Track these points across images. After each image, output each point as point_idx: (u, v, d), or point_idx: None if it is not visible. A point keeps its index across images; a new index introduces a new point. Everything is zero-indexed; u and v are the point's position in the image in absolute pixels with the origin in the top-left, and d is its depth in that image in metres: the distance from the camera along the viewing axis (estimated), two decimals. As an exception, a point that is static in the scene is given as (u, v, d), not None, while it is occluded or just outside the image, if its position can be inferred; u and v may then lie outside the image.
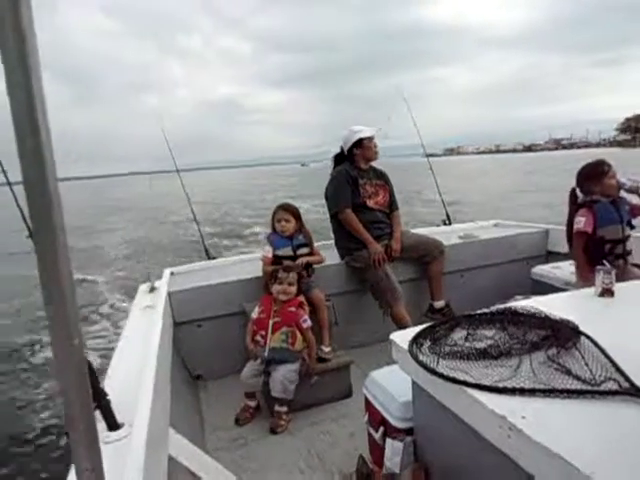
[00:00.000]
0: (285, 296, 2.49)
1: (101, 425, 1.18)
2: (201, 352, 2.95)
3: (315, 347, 2.56)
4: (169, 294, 2.80)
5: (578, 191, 2.76)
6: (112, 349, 1.96)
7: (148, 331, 2.00)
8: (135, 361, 1.66)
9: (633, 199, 2.67)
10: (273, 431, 2.35)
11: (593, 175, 2.69)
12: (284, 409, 2.42)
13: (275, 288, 2.50)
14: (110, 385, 1.47)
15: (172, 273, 3.32)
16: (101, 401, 1.17)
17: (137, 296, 2.85)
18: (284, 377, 2.39)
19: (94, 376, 1.17)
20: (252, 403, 2.52)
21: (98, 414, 1.18)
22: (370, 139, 3.24)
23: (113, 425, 1.17)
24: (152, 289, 2.89)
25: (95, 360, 4.67)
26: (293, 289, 2.51)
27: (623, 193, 2.66)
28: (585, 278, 2.61)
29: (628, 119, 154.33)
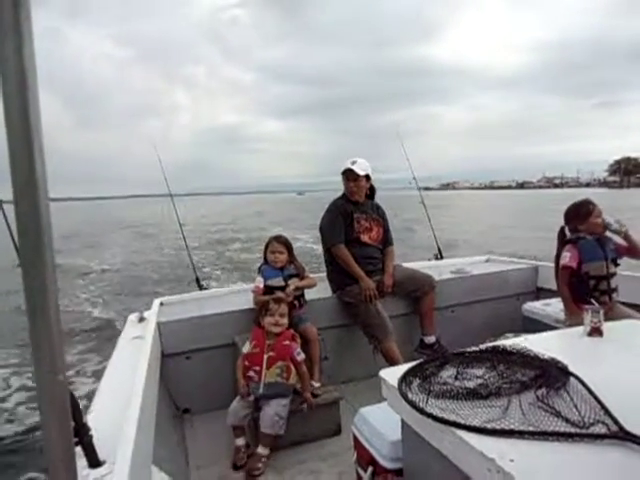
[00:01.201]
0: (277, 328, 2.46)
1: (82, 462, 1.15)
2: (189, 385, 2.90)
3: (308, 379, 2.53)
4: (158, 325, 2.77)
5: (566, 229, 2.81)
6: (98, 381, 1.92)
7: (135, 363, 1.97)
8: (120, 394, 1.63)
9: (618, 239, 2.72)
10: (249, 474, 2.23)
11: (579, 214, 2.76)
12: (266, 452, 2.32)
13: (267, 320, 2.47)
14: (94, 419, 1.44)
15: (162, 303, 3.29)
16: (83, 437, 1.14)
17: (125, 326, 2.81)
18: (275, 412, 2.34)
19: (77, 410, 1.15)
20: (241, 442, 2.41)
21: (80, 450, 1.16)
22: (344, 174, 3.20)
23: (94, 462, 1.14)
24: (141, 319, 2.86)
25: (81, 392, 4.57)
26: (285, 320, 2.49)
27: (608, 233, 2.71)
28: (571, 312, 2.68)
29: (617, 161, 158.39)
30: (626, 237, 2.68)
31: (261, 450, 2.33)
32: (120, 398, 1.58)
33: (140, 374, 1.77)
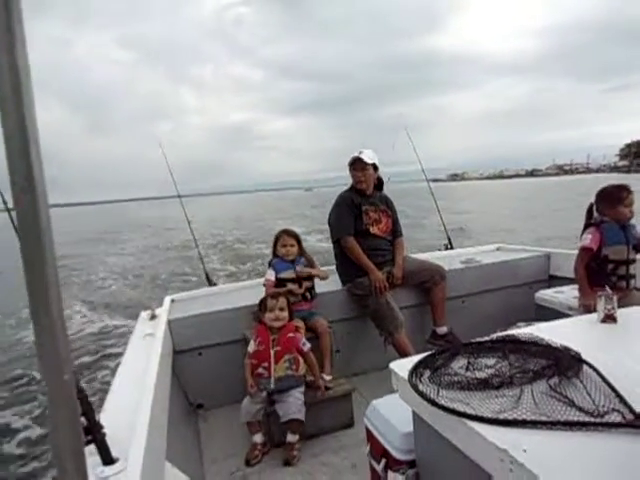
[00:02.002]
0: (278, 322, 2.46)
1: (96, 459, 1.16)
2: (202, 381, 2.92)
3: (317, 368, 2.54)
4: (169, 322, 2.79)
5: (594, 208, 2.78)
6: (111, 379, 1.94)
7: (147, 360, 1.99)
8: (133, 391, 1.64)
9: None
10: (287, 463, 2.29)
11: (610, 199, 2.72)
12: (296, 438, 2.36)
13: (267, 316, 2.47)
14: (107, 417, 1.46)
15: (173, 300, 3.31)
16: (96, 435, 1.15)
17: (137, 324, 2.84)
18: (296, 398, 2.36)
19: (90, 409, 1.16)
20: (259, 439, 2.42)
21: (93, 448, 1.17)
22: (352, 164, 3.21)
23: (108, 459, 1.15)
24: (152, 317, 2.88)
25: (94, 391, 4.63)
26: (285, 314, 2.49)
27: (638, 225, 2.66)
28: (585, 294, 2.67)
29: (628, 145, 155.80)
30: None
31: (291, 438, 2.36)
32: (132, 395, 1.59)
33: (152, 371, 1.78)
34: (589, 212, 2.81)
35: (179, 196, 4.57)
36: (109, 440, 1.18)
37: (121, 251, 19.20)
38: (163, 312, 2.90)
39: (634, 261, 2.67)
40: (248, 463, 2.33)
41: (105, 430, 1.19)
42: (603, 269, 2.66)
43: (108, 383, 1.88)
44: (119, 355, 2.27)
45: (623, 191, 2.68)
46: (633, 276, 2.68)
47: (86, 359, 6.09)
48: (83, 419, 1.16)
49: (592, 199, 2.80)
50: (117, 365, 2.12)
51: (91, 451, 1.17)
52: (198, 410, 2.92)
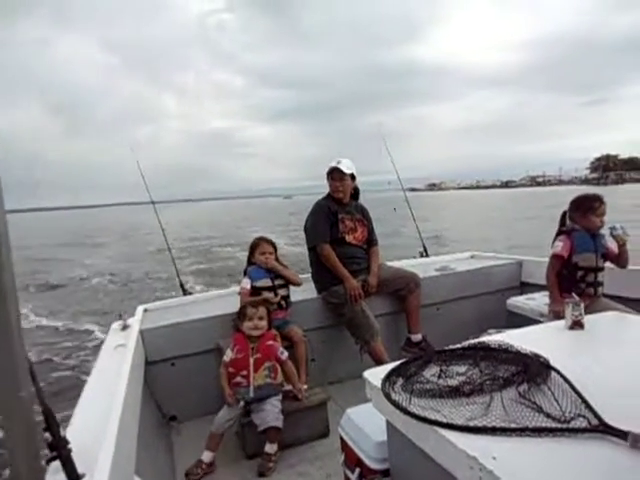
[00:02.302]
0: (257, 331, 2.45)
1: (61, 476, 1.12)
2: (175, 392, 2.86)
3: (295, 375, 2.53)
4: (141, 332, 2.73)
5: (567, 216, 2.86)
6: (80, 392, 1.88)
7: (117, 371, 1.94)
8: (102, 404, 1.59)
9: (612, 244, 2.75)
10: (262, 474, 2.24)
11: (583, 208, 2.78)
12: (274, 449, 2.33)
13: (246, 325, 2.46)
14: (74, 432, 1.41)
15: (145, 310, 3.25)
16: (61, 450, 1.12)
17: (108, 335, 2.77)
18: (274, 406, 2.34)
19: (55, 423, 1.12)
20: (208, 458, 2.33)
21: (59, 464, 1.13)
22: (330, 173, 3.23)
23: (73, 476, 1.11)
24: (124, 327, 2.82)
25: (62, 405, 4.49)
26: (264, 323, 2.48)
27: (607, 235, 2.74)
28: (555, 300, 2.73)
29: (597, 159, 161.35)
30: (622, 247, 2.72)
31: (269, 449, 2.32)
32: (101, 408, 1.55)
33: (122, 382, 1.74)
34: (562, 219, 2.88)
35: (152, 202, 4.50)
36: (75, 456, 1.15)
37: (94, 258, 18.81)
38: (135, 322, 2.84)
39: (602, 269, 2.76)
40: (187, 477, 2.26)
41: (71, 445, 1.15)
42: (573, 276, 2.74)
43: (77, 396, 1.82)
44: (90, 367, 2.21)
45: (596, 201, 2.75)
46: (601, 283, 2.76)
47: (54, 373, 5.91)
48: (47, 435, 1.13)
49: (558, 209, 2.89)
50: (87, 377, 2.06)
51: (57, 468, 1.14)
52: (171, 422, 2.86)
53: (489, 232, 19.43)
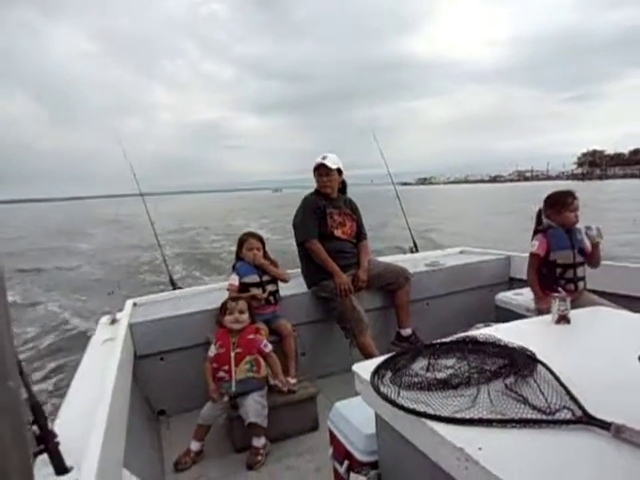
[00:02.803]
0: (238, 325, 2.45)
1: (49, 469, 1.11)
2: (164, 386, 2.86)
3: (280, 368, 2.53)
4: (130, 326, 2.72)
5: (543, 215, 2.89)
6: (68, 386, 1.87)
7: (105, 365, 1.93)
8: (89, 398, 1.59)
9: (586, 243, 2.78)
10: (250, 467, 2.25)
11: (556, 205, 2.81)
12: (262, 442, 2.33)
13: (227, 319, 2.46)
14: (62, 425, 1.41)
15: (135, 304, 3.23)
16: (49, 444, 1.11)
17: (97, 329, 2.76)
18: (256, 402, 2.33)
19: (43, 417, 1.11)
20: (196, 447, 2.37)
21: (46, 457, 1.12)
22: (317, 169, 3.23)
23: (61, 469, 1.11)
24: (113, 321, 2.81)
25: (50, 398, 4.46)
26: (245, 316, 2.48)
27: (584, 236, 2.77)
28: (538, 298, 2.78)
29: (584, 154, 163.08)
30: (595, 247, 2.75)
31: (256, 442, 2.33)
32: (89, 402, 1.54)
33: (110, 376, 1.74)
34: (538, 218, 2.90)
35: (141, 194, 4.46)
36: (63, 449, 1.14)
37: (82, 251, 18.66)
38: (124, 316, 2.83)
39: (581, 264, 2.79)
40: (177, 468, 2.29)
41: (59, 439, 1.14)
42: (552, 273, 2.77)
43: (65, 390, 1.81)
44: (78, 361, 2.20)
45: (568, 197, 2.78)
46: (582, 278, 2.79)
47: (42, 365, 5.86)
48: (35, 428, 1.12)
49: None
50: (75, 371, 2.05)
51: (44, 461, 1.13)
52: (160, 416, 2.85)
53: (460, 227, 19.86)
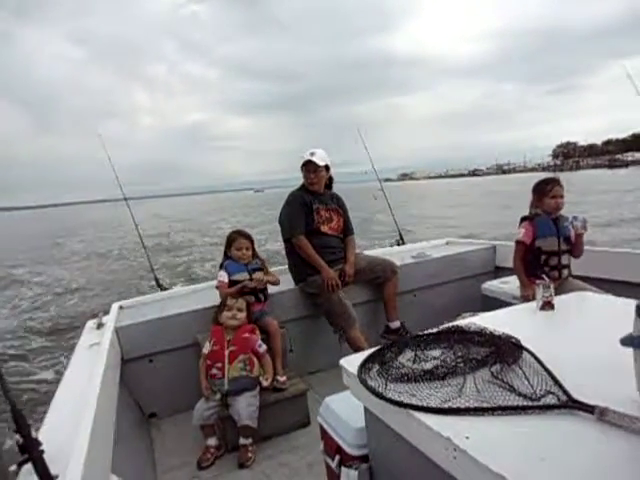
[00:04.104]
0: (235, 321, 2.45)
1: (33, 479, 1.09)
2: (154, 389, 2.83)
3: (272, 369, 2.53)
4: (117, 329, 2.69)
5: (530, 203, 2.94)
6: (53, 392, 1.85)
7: (91, 370, 1.91)
8: (75, 404, 1.57)
9: (573, 231, 2.81)
10: (242, 465, 2.25)
11: (538, 192, 2.87)
12: (249, 441, 2.33)
13: (224, 314, 2.46)
14: (46, 433, 1.38)
15: (121, 307, 3.20)
16: (33, 452, 1.09)
17: (83, 333, 2.72)
18: (249, 403, 2.33)
19: (25, 425, 1.09)
20: (213, 442, 2.39)
21: (31, 467, 1.10)
22: (304, 165, 3.20)
23: (46, 478, 1.09)
24: (99, 325, 2.77)
25: (35, 405, 4.40)
26: (243, 314, 2.48)
27: (570, 225, 2.80)
28: (524, 285, 2.82)
29: (559, 146, 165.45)
30: (578, 237, 2.79)
31: (244, 441, 2.33)
32: (75, 408, 1.52)
33: (96, 381, 1.71)
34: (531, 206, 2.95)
35: (125, 199, 4.42)
36: (48, 457, 1.12)
37: (67, 256, 18.44)
38: (110, 320, 2.79)
39: (566, 252, 2.82)
40: (199, 466, 2.29)
41: (44, 447, 1.12)
42: (537, 260, 2.81)
43: (50, 397, 1.78)
44: (64, 367, 2.17)
45: (548, 184, 2.82)
46: (566, 266, 2.83)
47: (26, 373, 5.78)
48: (18, 437, 1.10)
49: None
50: (61, 377, 2.02)
51: (29, 470, 1.11)
52: (151, 419, 2.83)
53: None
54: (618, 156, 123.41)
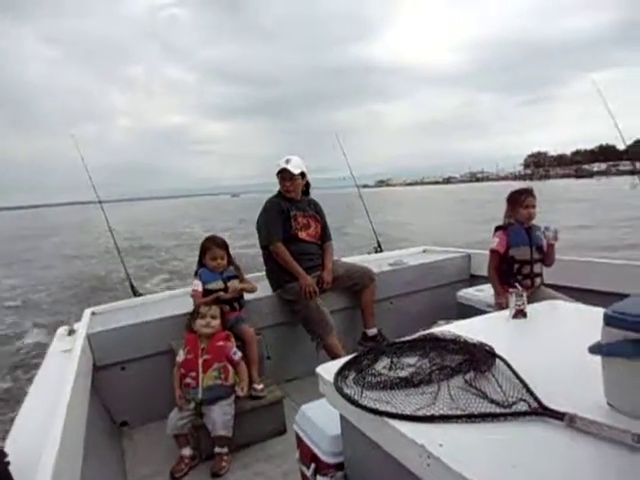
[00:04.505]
0: (209, 329, 2.41)
1: None
2: (126, 397, 2.77)
3: (247, 377, 2.50)
4: (89, 336, 2.63)
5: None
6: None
7: (62, 378, 1.86)
8: (44, 413, 1.52)
9: (545, 241, 2.88)
10: (216, 475, 2.21)
11: (512, 201, 2.94)
12: (225, 450, 2.30)
13: (198, 323, 2.42)
14: (13, 443, 1.34)
15: (93, 313, 3.13)
16: (-2, 464, 1.06)
17: (54, 341, 2.65)
18: (224, 412, 2.30)
19: None
20: (187, 452, 2.34)
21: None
22: (280, 173, 3.19)
23: (12, 491, 1.05)
24: (71, 332, 2.70)
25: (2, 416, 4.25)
26: (216, 322, 2.45)
27: (542, 234, 2.86)
28: (498, 293, 2.86)
29: (530, 155, 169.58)
30: (550, 247, 2.86)
31: (219, 449, 2.29)
32: (43, 417, 1.48)
33: (66, 389, 1.67)
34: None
35: (100, 202, 4.32)
36: (14, 469, 1.09)
37: (36, 260, 17.97)
38: (82, 326, 2.73)
39: (539, 260, 2.88)
40: (173, 476, 2.24)
41: (9, 458, 1.09)
42: (510, 269, 2.86)
43: (19, 406, 1.72)
44: (33, 375, 2.11)
45: (522, 194, 2.89)
46: (538, 274, 2.89)
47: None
48: (-18, 448, 1.06)
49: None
50: (29, 386, 1.96)
51: None
52: (122, 428, 2.77)
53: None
54: (585, 166, 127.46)
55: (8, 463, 1.07)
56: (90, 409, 2.15)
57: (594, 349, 0.93)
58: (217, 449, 2.29)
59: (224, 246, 2.82)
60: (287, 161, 3.16)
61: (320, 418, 1.54)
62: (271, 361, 2.95)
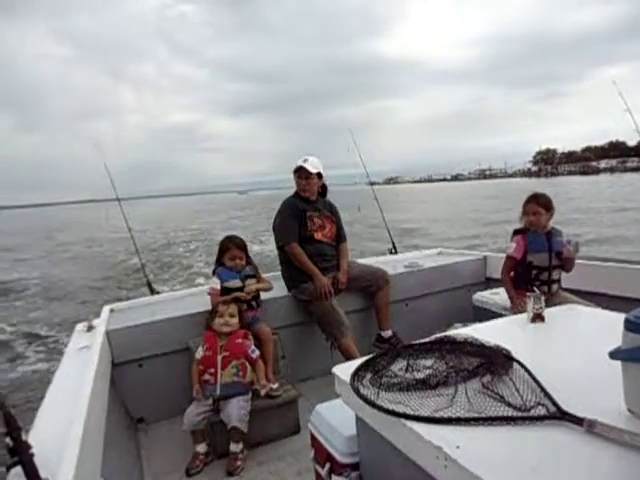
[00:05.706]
0: (227, 328, 2.45)
1: None
2: (143, 393, 2.81)
3: (264, 375, 2.53)
4: (107, 333, 2.67)
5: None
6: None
7: (82, 374, 1.89)
8: (65, 407, 1.56)
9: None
10: (230, 473, 2.23)
11: (523, 206, 2.88)
12: (240, 447, 2.32)
13: (217, 321, 2.46)
14: (36, 436, 1.37)
15: (112, 310, 3.18)
16: (23, 455, 1.08)
17: (73, 337, 2.70)
18: (240, 406, 2.32)
19: (16, 427, 1.09)
20: (202, 449, 2.37)
21: (20, 470, 1.09)
22: (296, 172, 3.22)
23: (36, 482, 1.08)
24: (89, 328, 2.75)
25: (25, 409, 4.34)
26: (234, 320, 2.48)
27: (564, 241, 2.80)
28: (511, 298, 2.83)
29: (539, 152, 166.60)
30: (570, 259, 2.79)
31: (234, 447, 2.31)
32: (65, 411, 1.51)
33: (87, 385, 1.70)
34: None
35: (118, 199, 4.38)
36: (38, 460, 1.12)
37: (56, 258, 18.31)
38: (101, 323, 2.78)
39: (558, 267, 2.83)
40: (188, 473, 2.27)
41: (33, 450, 1.12)
42: (528, 274, 2.82)
43: (40, 400, 1.76)
44: (53, 371, 2.15)
45: (528, 202, 2.84)
46: (556, 281, 2.84)
47: (16, 376, 5.71)
48: (8, 439, 1.09)
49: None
50: (51, 380, 2.00)
51: (18, 473, 1.10)
52: (139, 424, 2.81)
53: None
54: (594, 163, 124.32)
55: (33, 455, 1.10)
56: (109, 405, 2.19)
57: (615, 354, 0.92)
58: (232, 446, 2.31)
59: (243, 246, 2.84)
60: (305, 160, 3.19)
61: (335, 418, 1.55)
62: (286, 360, 2.97)
